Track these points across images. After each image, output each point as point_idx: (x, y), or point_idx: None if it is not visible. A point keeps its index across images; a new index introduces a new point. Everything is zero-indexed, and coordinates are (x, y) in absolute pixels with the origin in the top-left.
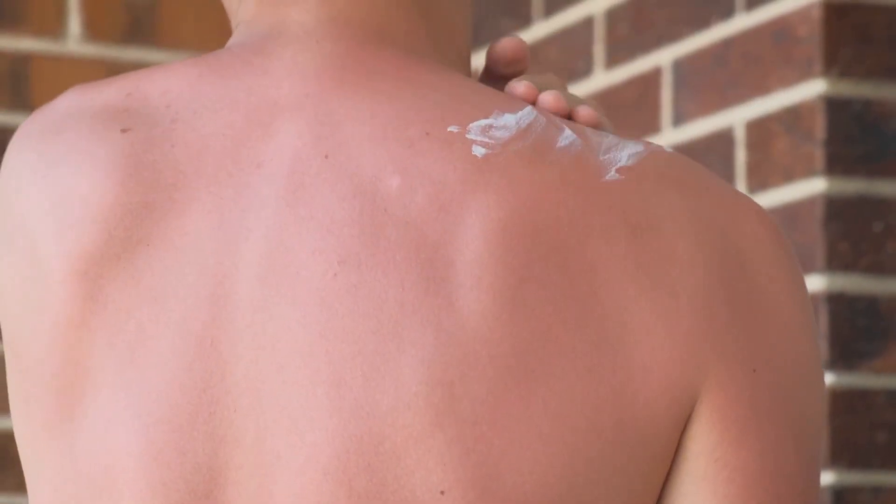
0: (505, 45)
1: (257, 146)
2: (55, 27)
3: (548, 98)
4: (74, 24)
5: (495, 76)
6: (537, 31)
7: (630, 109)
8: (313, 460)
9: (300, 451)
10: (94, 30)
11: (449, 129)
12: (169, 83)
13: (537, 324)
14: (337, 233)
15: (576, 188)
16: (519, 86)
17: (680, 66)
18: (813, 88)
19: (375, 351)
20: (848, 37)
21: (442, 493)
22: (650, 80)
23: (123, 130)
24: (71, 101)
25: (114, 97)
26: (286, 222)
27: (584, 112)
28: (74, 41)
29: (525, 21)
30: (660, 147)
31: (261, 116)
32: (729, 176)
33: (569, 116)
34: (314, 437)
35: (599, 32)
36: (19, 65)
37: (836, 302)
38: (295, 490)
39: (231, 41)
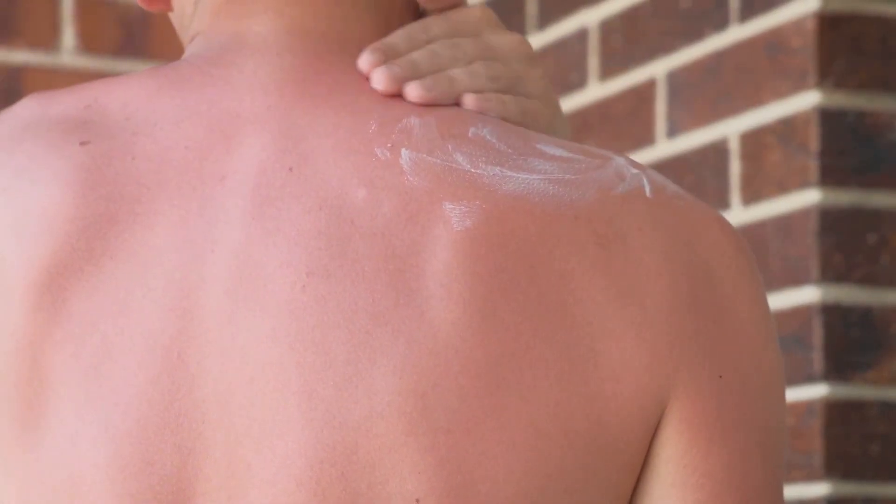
0: None
1: (221, 159)
2: (49, 39)
3: (410, 92)
4: (68, 36)
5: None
6: (531, 42)
7: (624, 121)
8: (285, 471)
9: (271, 462)
10: (88, 42)
11: (413, 139)
12: (128, 95)
13: (508, 333)
14: (304, 245)
15: (542, 198)
16: (375, 78)
17: (674, 78)
18: (807, 100)
19: (347, 361)
20: (842, 48)
21: (417, 501)
22: (644, 92)
23: (82, 143)
24: (29, 112)
25: (72, 109)
26: (252, 235)
27: (468, 100)
28: (68, 54)
29: (519, 33)
30: (619, 156)
31: (223, 129)
32: (723, 187)
33: (457, 103)
34: (286, 448)
35: (593, 44)
36: (13, 77)
37: (830, 313)
38: (267, 501)
39: (188, 52)
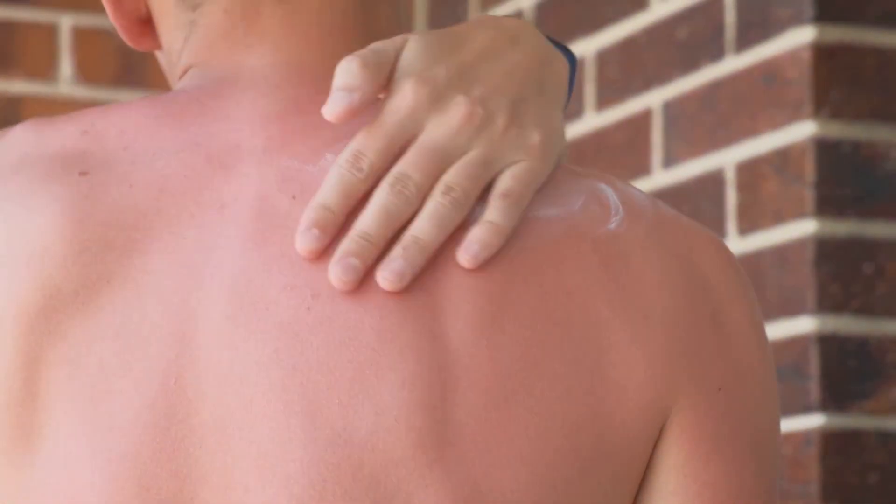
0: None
1: (220, 188)
2: (47, 69)
3: (385, 284)
4: (66, 66)
5: None
6: None
7: (620, 151)
8: (286, 492)
9: (271, 483)
10: (85, 72)
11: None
12: (126, 122)
13: (516, 348)
14: (309, 268)
15: (546, 219)
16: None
17: (670, 108)
18: (803, 130)
19: (353, 379)
20: (837, 78)
21: None
22: (640, 122)
23: (82, 173)
24: (25, 140)
25: (69, 137)
26: (253, 261)
27: (464, 261)
28: (66, 83)
29: None
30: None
31: (223, 159)
32: (720, 217)
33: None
34: (286, 469)
35: (590, 74)
36: (11, 107)
37: (828, 343)
38: None
39: (182, 84)
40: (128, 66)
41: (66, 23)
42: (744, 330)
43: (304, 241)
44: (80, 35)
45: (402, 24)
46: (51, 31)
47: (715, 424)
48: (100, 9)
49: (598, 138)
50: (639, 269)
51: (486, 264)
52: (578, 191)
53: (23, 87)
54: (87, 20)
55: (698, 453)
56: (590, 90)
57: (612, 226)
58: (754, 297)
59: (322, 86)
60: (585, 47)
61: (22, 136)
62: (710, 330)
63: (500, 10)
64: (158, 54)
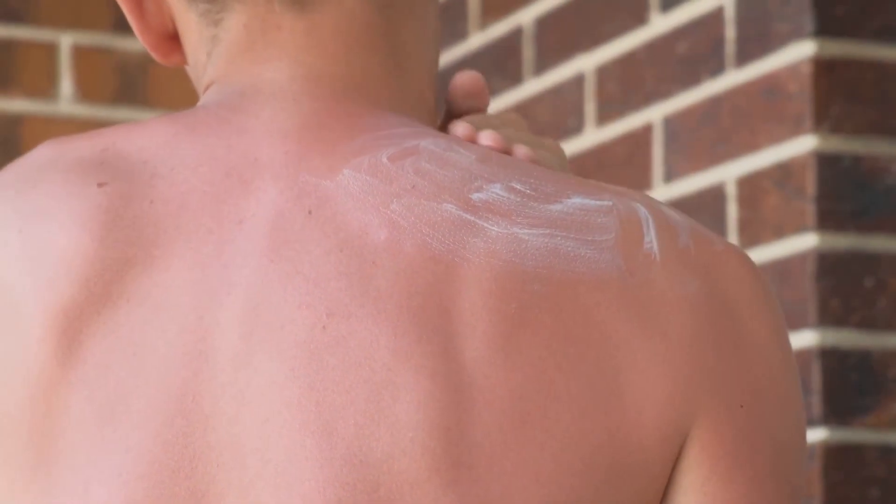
0: (462, 79)
1: (238, 203)
2: (47, 88)
3: (485, 138)
4: (66, 85)
5: (455, 112)
6: (528, 88)
7: (621, 166)
8: None
9: (287, 502)
10: (85, 91)
11: (434, 183)
12: (145, 140)
13: (532, 369)
14: (324, 286)
15: (565, 238)
16: (458, 127)
17: (671, 123)
18: (803, 144)
19: (369, 399)
20: (838, 93)
21: None
22: (641, 138)
23: (100, 184)
24: (47, 154)
25: (89, 152)
26: (270, 278)
27: (520, 151)
28: (66, 102)
29: (515, 79)
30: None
31: (241, 174)
32: (721, 232)
33: (507, 152)
34: (303, 488)
35: (590, 90)
36: (11, 126)
37: (828, 357)
38: None
39: (204, 100)
40: (127, 84)
41: (66, 41)
42: (766, 345)
43: (489, 138)
44: (79, 54)
45: (428, 41)
46: (50, 50)
47: (735, 442)
48: (99, 27)
49: (599, 154)
50: (658, 283)
51: (502, 283)
52: (597, 211)
53: (23, 105)
54: (87, 39)
55: (718, 472)
56: (590, 106)
57: (632, 241)
58: (778, 310)
59: (342, 98)
60: (585, 62)
61: (42, 152)
62: (731, 345)
63: (500, 27)
64: (188, 69)
